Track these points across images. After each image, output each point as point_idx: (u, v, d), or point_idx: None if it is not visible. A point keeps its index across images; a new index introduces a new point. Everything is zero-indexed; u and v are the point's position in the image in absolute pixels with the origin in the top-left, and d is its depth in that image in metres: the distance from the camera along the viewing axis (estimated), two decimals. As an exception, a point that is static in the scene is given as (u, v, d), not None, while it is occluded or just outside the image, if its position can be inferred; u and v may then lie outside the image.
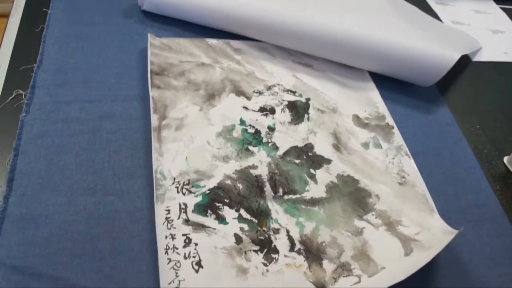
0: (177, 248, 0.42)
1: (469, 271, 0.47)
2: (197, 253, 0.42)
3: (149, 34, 0.59)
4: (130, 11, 0.65)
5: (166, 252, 0.41)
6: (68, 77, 0.54)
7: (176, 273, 0.40)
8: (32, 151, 0.47)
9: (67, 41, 0.58)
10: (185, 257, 0.41)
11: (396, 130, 0.57)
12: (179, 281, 0.40)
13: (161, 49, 0.59)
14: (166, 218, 0.44)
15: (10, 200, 0.43)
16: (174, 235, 0.42)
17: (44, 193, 0.44)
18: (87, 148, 0.48)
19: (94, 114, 0.51)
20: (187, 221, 0.44)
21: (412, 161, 0.54)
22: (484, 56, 0.75)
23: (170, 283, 0.39)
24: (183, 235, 0.43)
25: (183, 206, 0.45)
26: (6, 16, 0.63)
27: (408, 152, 0.55)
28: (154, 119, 0.50)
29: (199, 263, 0.41)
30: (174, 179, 0.47)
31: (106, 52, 0.58)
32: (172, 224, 0.43)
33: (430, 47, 0.59)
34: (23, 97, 0.51)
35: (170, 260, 0.41)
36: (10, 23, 0.60)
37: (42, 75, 0.54)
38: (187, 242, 0.42)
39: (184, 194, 0.46)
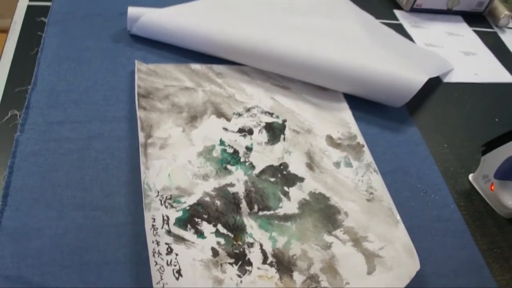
0: (161, 254, 0.45)
1: (432, 282, 0.50)
2: (177, 262, 0.45)
3: (136, 61, 0.63)
4: (120, 35, 0.69)
5: (153, 255, 0.45)
6: (60, 98, 0.57)
7: (161, 276, 0.43)
8: (26, 169, 0.50)
9: (60, 64, 0.62)
10: (167, 264, 0.45)
11: (366, 149, 0.60)
12: (163, 284, 0.43)
13: (148, 74, 0.62)
14: (152, 225, 0.47)
15: (4, 214, 0.46)
16: (159, 242, 0.46)
17: (36, 208, 0.47)
18: (77, 166, 0.51)
19: (84, 134, 0.54)
20: (169, 232, 0.47)
21: (380, 176, 0.57)
22: (454, 77, 0.79)
23: (157, 283, 0.43)
24: (166, 243, 0.46)
25: (165, 218, 0.48)
26: (5, 31, 0.67)
27: (376, 168, 0.58)
28: (141, 137, 0.54)
29: (179, 272, 0.44)
30: (158, 192, 0.50)
31: (96, 75, 0.62)
32: (157, 232, 0.47)
33: (400, 70, 0.63)
34: (18, 117, 0.54)
35: (156, 263, 0.44)
36: (7, 47, 0.63)
37: (35, 96, 0.57)
38: (169, 251, 0.46)
39: (166, 207, 0.49)
